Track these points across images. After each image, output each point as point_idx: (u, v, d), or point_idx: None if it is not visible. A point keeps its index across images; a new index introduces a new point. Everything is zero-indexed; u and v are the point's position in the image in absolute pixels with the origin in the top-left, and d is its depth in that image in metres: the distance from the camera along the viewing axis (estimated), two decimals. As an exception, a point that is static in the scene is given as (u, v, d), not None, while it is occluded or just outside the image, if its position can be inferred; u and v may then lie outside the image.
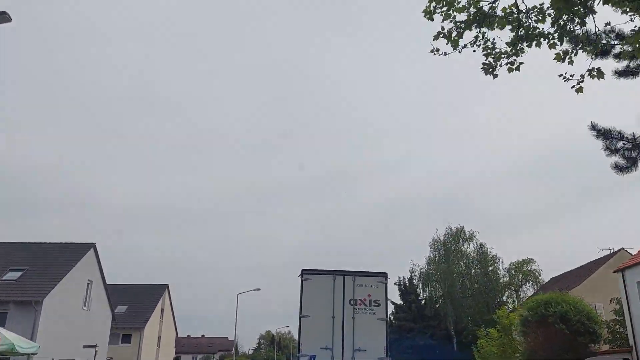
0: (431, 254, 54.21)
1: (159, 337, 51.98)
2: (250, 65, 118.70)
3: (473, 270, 52.80)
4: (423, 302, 53.57)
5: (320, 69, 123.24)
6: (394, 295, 53.61)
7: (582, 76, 7.22)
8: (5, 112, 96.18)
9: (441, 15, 7.30)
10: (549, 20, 7.12)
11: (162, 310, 53.03)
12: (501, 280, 52.45)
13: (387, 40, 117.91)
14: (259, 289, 51.06)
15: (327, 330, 14.88)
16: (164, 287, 53.98)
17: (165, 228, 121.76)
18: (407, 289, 54.68)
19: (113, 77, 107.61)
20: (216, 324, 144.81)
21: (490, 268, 52.15)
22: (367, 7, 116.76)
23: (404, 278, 54.97)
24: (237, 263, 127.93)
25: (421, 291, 54.40)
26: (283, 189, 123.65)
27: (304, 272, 15.56)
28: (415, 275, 54.56)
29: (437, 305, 53.09)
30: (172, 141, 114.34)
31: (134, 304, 49.37)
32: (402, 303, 54.00)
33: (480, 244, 53.12)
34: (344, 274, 15.57)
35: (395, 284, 53.46)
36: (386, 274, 15.67)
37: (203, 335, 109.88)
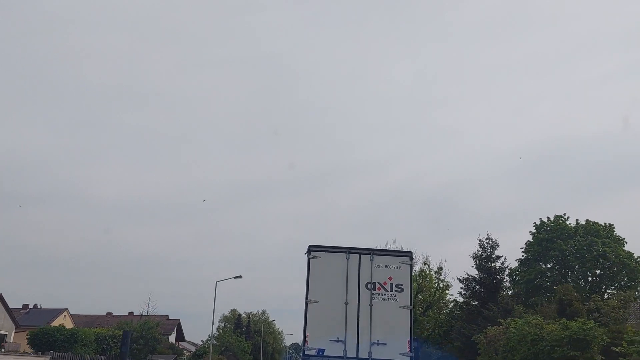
0: None
1: None
2: (239, 60, 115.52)
3: None
4: None
5: (310, 65, 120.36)
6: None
7: None
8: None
9: None
10: None
11: None
12: None
13: (378, 36, 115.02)
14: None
15: (339, 319, 12.34)
16: None
17: (153, 223, 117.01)
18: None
19: (102, 69, 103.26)
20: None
21: None
22: (358, 1, 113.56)
23: None
24: (227, 258, 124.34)
25: None
26: (272, 185, 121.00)
27: (311, 249, 12.97)
28: None
29: None
30: (160, 135, 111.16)
31: None
32: None
33: None
34: (360, 251, 13.01)
35: None
36: (411, 252, 13.14)
37: (131, 313, 77.45)
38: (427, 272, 40.08)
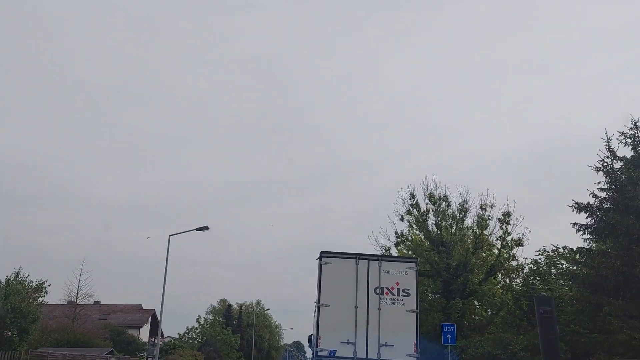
0: None
1: None
2: (239, 60, 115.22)
3: None
4: None
5: (309, 65, 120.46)
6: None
7: None
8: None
9: None
10: None
11: None
12: None
13: (378, 35, 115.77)
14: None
15: (350, 322, 13.20)
16: None
17: (153, 223, 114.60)
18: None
19: (101, 69, 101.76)
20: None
21: None
22: (357, 1, 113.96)
23: None
24: (227, 258, 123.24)
25: None
26: (273, 185, 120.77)
27: (323, 255, 13.81)
28: None
29: None
30: (160, 136, 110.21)
31: None
32: None
33: None
34: (369, 258, 13.90)
35: None
36: (417, 259, 14.06)
37: (98, 302, 57.84)
38: (487, 220, 26.81)
